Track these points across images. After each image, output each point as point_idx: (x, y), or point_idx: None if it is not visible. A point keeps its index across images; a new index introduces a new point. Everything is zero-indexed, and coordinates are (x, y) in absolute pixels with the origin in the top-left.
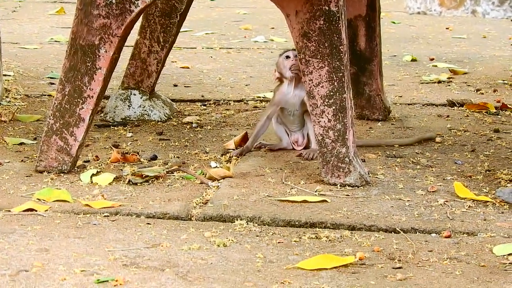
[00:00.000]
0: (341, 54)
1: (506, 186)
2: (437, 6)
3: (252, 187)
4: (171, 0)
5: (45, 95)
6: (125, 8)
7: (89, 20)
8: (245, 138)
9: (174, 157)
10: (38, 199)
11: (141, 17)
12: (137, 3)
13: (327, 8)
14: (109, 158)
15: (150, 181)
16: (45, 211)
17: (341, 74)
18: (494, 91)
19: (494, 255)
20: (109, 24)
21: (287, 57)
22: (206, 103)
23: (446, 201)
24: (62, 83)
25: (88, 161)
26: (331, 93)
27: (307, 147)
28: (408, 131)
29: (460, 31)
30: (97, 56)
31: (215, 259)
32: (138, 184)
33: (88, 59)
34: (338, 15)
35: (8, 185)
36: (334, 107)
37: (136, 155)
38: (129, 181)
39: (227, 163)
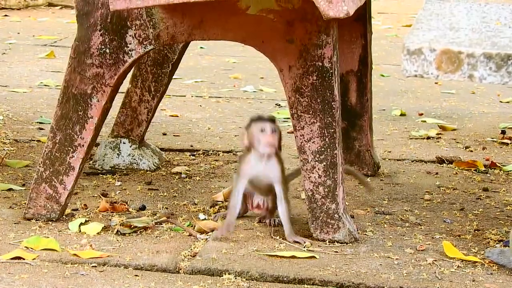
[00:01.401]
0: (333, 110)
1: (495, 247)
2: (434, 70)
3: (241, 241)
4: (163, 50)
5: (34, 140)
6: (119, 58)
7: (82, 69)
8: None
9: (162, 207)
10: (26, 247)
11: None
12: (131, 54)
13: (320, 64)
14: (98, 207)
15: (138, 232)
16: (33, 259)
17: (332, 130)
18: (483, 148)
19: None
20: (102, 74)
21: (263, 130)
22: (195, 153)
23: (435, 260)
24: (53, 131)
25: (77, 209)
26: (322, 149)
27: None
28: (397, 187)
29: (449, 86)
30: (89, 105)
31: None
32: (127, 235)
33: (80, 108)
34: (331, 71)
35: None
36: (325, 163)
37: (125, 205)
38: (118, 231)
39: (217, 218)
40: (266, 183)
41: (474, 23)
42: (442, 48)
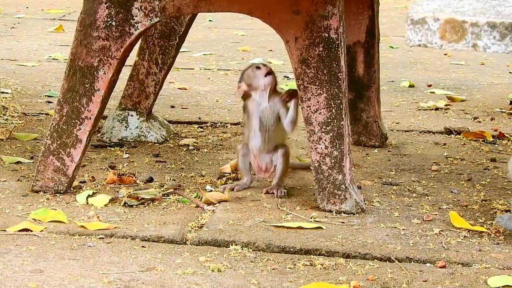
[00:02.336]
0: (340, 81)
1: None
2: (438, 39)
3: (248, 212)
4: (170, 22)
5: (43, 113)
6: (125, 31)
7: (88, 41)
8: None
9: (170, 179)
10: (33, 219)
11: (140, 39)
12: (137, 26)
13: (326, 35)
14: (105, 179)
15: (145, 204)
16: (41, 231)
17: (339, 101)
18: (492, 119)
19: (489, 286)
20: (109, 46)
21: (258, 67)
22: (203, 125)
23: (442, 231)
24: (60, 103)
25: (84, 181)
26: (329, 120)
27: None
28: (405, 158)
29: (458, 57)
30: (96, 78)
31: (209, 285)
32: (134, 207)
33: (87, 80)
34: (337, 42)
35: (4, 204)
36: (331, 134)
37: (132, 177)
38: (125, 203)
39: (223, 190)
40: (273, 125)
41: None
42: (446, 18)
